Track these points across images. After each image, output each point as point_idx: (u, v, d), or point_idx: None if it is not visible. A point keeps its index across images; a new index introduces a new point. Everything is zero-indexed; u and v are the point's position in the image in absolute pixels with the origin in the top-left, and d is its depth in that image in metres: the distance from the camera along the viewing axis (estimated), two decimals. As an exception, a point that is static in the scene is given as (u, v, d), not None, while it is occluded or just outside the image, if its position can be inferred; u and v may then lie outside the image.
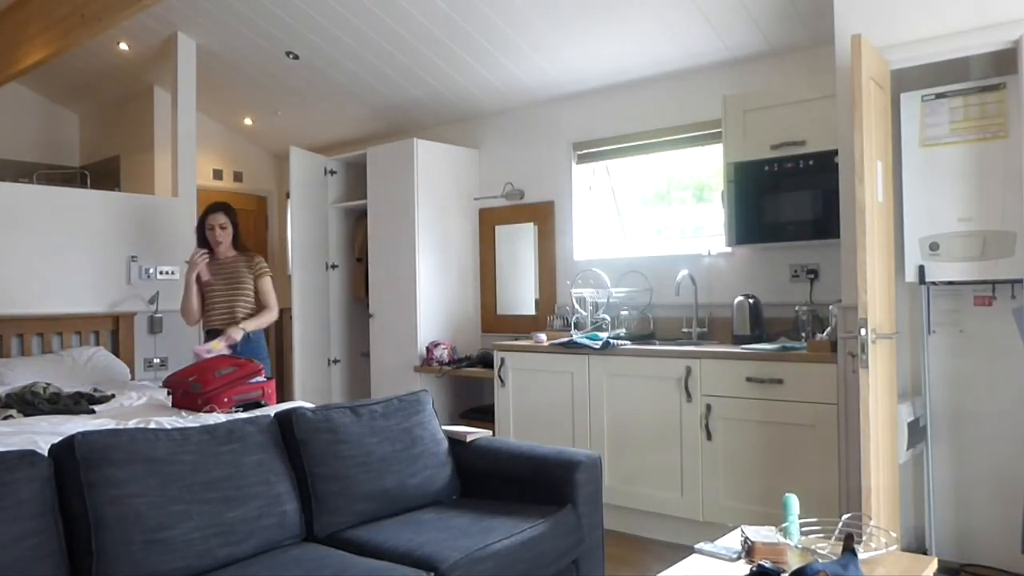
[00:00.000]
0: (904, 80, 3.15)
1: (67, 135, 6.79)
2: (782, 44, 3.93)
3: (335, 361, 5.58)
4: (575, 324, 4.51)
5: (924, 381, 3.23)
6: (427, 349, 4.86)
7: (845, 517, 2.20)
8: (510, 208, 5.19)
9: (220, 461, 2.25)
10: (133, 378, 4.74)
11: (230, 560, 2.15)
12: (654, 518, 3.78)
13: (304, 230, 5.53)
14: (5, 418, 3.24)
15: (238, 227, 4.23)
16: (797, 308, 3.79)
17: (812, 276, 3.87)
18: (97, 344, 4.77)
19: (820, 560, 1.88)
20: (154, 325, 5.02)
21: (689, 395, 3.62)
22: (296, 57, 5.05)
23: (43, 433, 2.83)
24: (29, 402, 3.43)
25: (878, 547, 2.11)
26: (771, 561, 1.97)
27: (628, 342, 4.03)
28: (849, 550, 1.84)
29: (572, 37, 4.22)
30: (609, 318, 4.43)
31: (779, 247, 3.91)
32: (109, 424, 3.02)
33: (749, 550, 2.09)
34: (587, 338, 4.03)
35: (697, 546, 2.22)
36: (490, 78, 4.83)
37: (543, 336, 4.44)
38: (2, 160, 6.12)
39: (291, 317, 5.47)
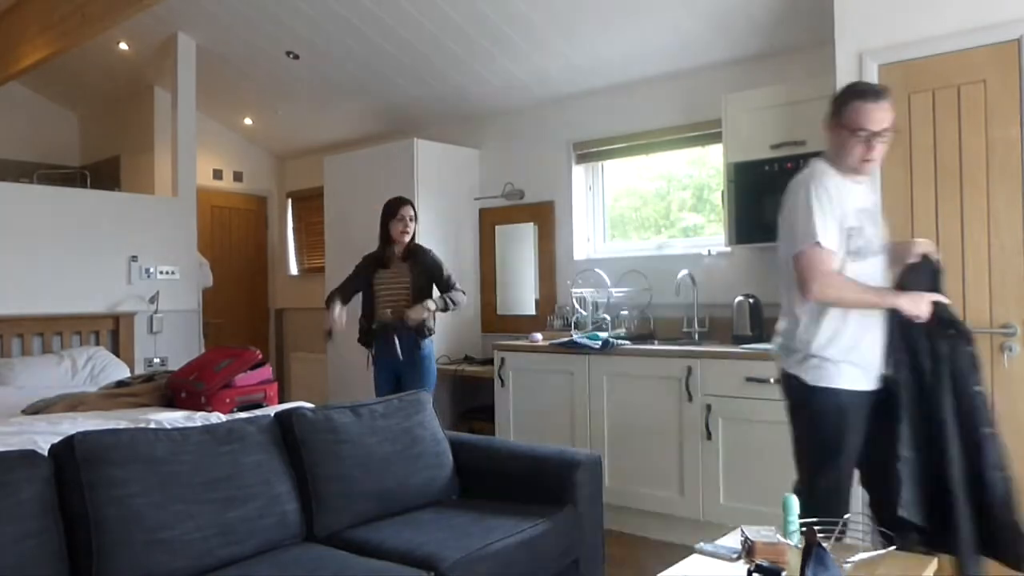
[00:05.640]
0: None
1: (67, 135, 6.80)
2: (782, 44, 3.93)
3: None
4: (575, 324, 4.51)
5: None
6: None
7: (845, 517, 2.20)
8: (510, 208, 5.19)
9: (220, 461, 2.25)
10: (133, 378, 4.74)
11: (230, 560, 2.15)
12: (654, 518, 3.78)
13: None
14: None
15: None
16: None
17: (812, 276, 3.86)
18: (97, 344, 4.77)
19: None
20: (154, 325, 5.02)
21: (689, 395, 3.62)
22: (296, 57, 5.05)
23: (43, 433, 2.83)
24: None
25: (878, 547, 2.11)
26: (771, 561, 1.97)
27: (628, 342, 4.03)
28: (815, 545, 1.82)
29: (572, 37, 4.22)
30: (609, 318, 4.43)
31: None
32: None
33: (749, 550, 2.08)
34: (587, 338, 4.03)
35: (697, 546, 2.22)
36: (490, 78, 4.83)
37: (539, 336, 4.45)
38: (2, 160, 6.12)
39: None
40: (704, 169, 4.51)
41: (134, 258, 4.96)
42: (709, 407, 3.56)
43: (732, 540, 2.23)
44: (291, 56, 5.05)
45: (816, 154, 3.52)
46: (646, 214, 4.82)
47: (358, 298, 4.17)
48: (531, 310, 5.05)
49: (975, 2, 2.87)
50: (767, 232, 3.73)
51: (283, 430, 2.54)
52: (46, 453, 2.06)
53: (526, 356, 4.26)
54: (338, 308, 3.99)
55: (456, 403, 5.09)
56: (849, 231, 2.27)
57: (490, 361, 4.51)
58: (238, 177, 6.69)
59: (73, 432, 2.12)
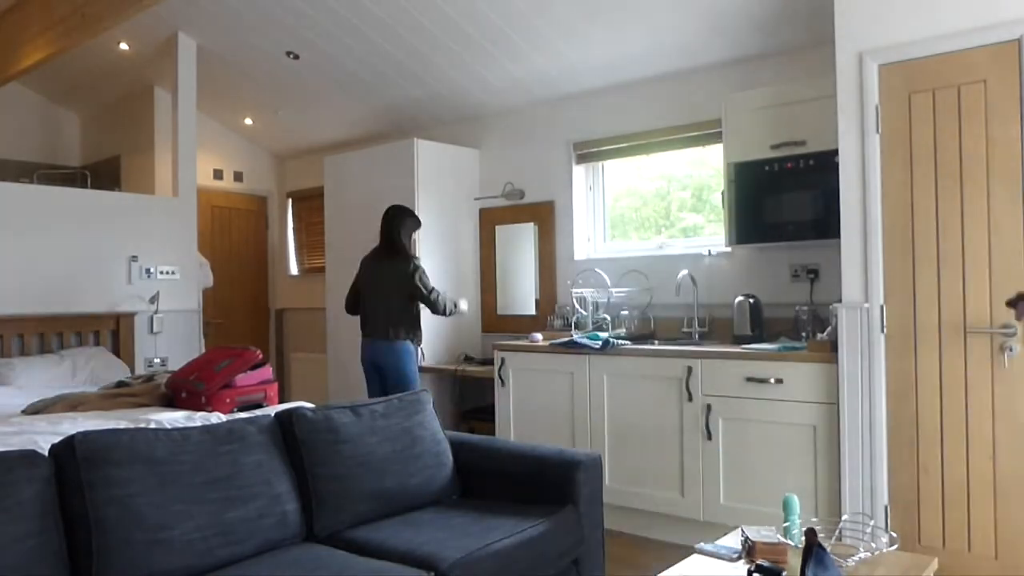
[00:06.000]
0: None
1: (67, 135, 6.80)
2: (782, 44, 3.93)
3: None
4: (575, 324, 4.51)
5: None
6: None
7: (845, 517, 2.20)
8: (510, 208, 5.19)
9: (220, 461, 2.25)
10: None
11: (230, 560, 2.15)
12: (654, 518, 3.78)
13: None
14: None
15: None
16: (797, 308, 3.79)
17: (812, 276, 3.87)
18: (97, 344, 4.77)
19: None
20: (154, 325, 5.02)
21: (689, 395, 3.62)
22: (296, 57, 5.05)
23: (43, 433, 2.83)
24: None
25: (878, 547, 2.12)
26: (771, 561, 1.97)
27: (628, 342, 4.02)
28: (816, 545, 1.83)
29: (572, 37, 4.22)
30: (609, 318, 4.43)
31: (779, 247, 3.91)
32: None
33: (749, 550, 2.09)
34: (587, 338, 4.03)
35: (697, 546, 2.22)
36: (490, 78, 4.83)
37: (539, 336, 4.45)
38: (2, 160, 6.12)
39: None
40: (704, 169, 4.51)
41: (134, 258, 4.96)
42: (709, 407, 3.56)
43: (732, 540, 2.23)
44: (291, 56, 5.05)
45: (816, 154, 3.56)
46: (646, 214, 4.82)
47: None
48: (531, 310, 5.05)
49: (975, 2, 2.87)
50: (767, 232, 3.76)
51: (283, 430, 2.54)
52: (46, 453, 2.06)
53: (526, 356, 4.26)
54: None
55: (456, 403, 5.09)
56: None
57: (490, 361, 4.51)
58: (238, 177, 6.69)
59: (73, 432, 2.12)
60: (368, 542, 2.36)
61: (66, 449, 2.03)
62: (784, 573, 1.90)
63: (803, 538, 1.88)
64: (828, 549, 1.99)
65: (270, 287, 6.97)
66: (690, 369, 3.61)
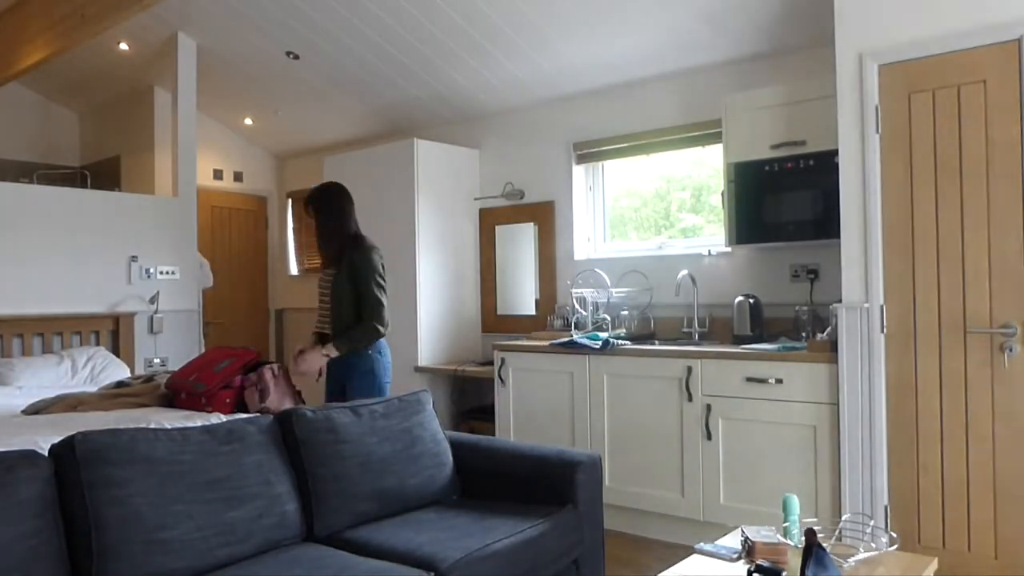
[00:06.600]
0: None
1: (67, 135, 6.80)
2: (782, 44, 3.93)
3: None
4: (575, 324, 4.51)
5: None
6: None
7: (845, 517, 2.20)
8: (510, 208, 5.19)
9: (220, 461, 2.25)
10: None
11: (230, 560, 2.15)
12: (654, 518, 3.78)
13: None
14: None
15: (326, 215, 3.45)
16: (797, 308, 3.79)
17: (812, 276, 3.87)
18: (97, 344, 4.77)
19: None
20: (154, 325, 5.02)
21: (689, 395, 3.62)
22: (296, 57, 5.05)
23: (43, 433, 2.83)
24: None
25: (878, 547, 2.12)
26: (771, 561, 1.97)
27: (628, 342, 4.02)
28: (815, 546, 1.83)
29: (572, 37, 4.22)
30: (609, 318, 4.43)
31: (779, 247, 3.91)
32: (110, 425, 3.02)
33: (749, 550, 2.09)
34: (587, 338, 4.03)
35: (697, 546, 2.22)
36: (490, 78, 4.83)
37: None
38: (2, 160, 6.12)
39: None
40: (703, 170, 4.52)
41: (134, 258, 4.96)
42: (709, 407, 3.56)
43: (732, 540, 2.23)
44: (291, 56, 5.05)
45: (816, 154, 3.56)
46: (646, 214, 4.82)
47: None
48: (531, 310, 5.05)
49: (975, 2, 2.87)
50: (767, 232, 3.76)
51: (283, 430, 2.54)
52: (46, 453, 2.06)
53: (526, 356, 4.26)
54: None
55: (456, 403, 5.09)
56: None
57: (490, 361, 4.51)
58: (238, 177, 6.69)
59: (73, 432, 2.11)
60: (368, 542, 2.36)
61: (66, 449, 2.03)
62: (784, 573, 1.90)
63: (803, 538, 1.88)
64: (828, 549, 1.99)
65: (270, 287, 6.97)
66: (690, 369, 3.61)
